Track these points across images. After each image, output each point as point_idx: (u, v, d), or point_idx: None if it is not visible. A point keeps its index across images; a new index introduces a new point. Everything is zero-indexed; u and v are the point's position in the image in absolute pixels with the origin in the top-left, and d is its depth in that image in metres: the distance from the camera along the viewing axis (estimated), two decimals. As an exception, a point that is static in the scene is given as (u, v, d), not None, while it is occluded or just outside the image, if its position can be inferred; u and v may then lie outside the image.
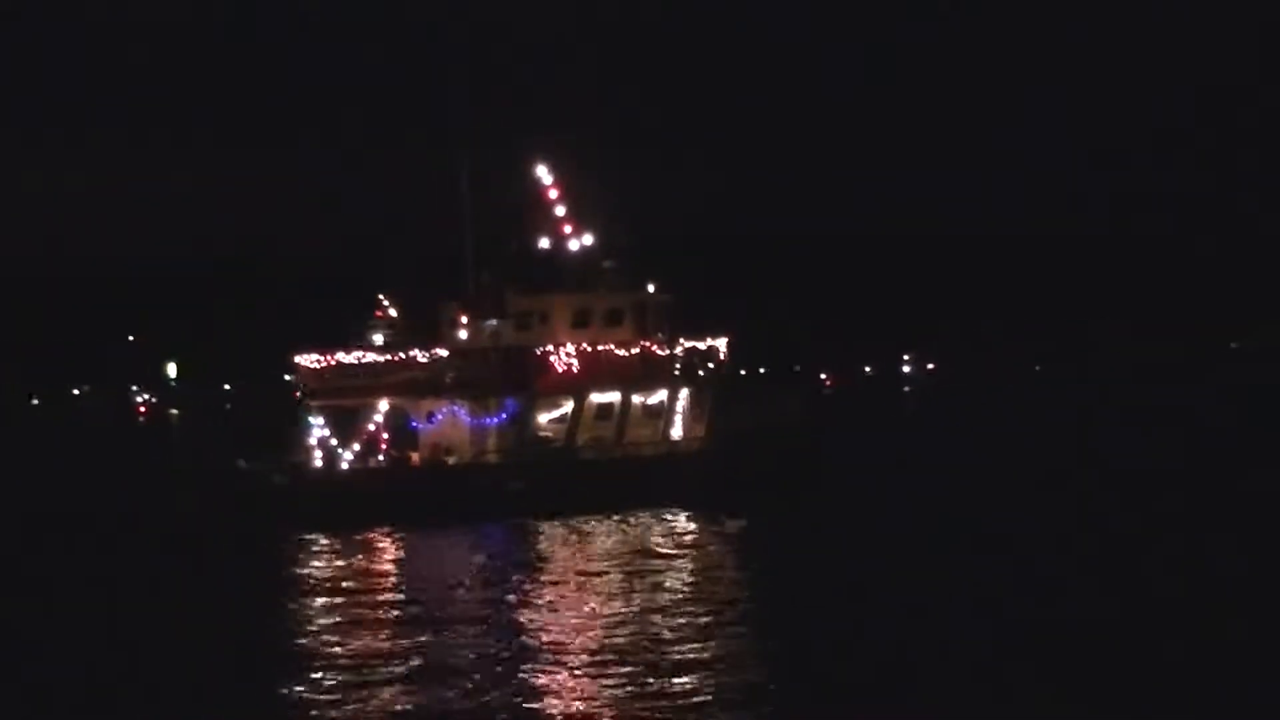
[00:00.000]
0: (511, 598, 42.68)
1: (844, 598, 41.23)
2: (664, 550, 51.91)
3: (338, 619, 40.60)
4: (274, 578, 49.20)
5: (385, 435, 64.88)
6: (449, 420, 65.35)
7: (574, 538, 56.23)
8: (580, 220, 69.58)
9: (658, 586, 43.53)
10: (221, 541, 59.14)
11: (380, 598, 44.13)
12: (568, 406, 66.39)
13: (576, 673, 32.33)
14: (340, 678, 32.75)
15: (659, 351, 67.90)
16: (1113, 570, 44.05)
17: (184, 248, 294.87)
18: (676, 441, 68.90)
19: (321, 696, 31.11)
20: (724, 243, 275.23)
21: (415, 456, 65.63)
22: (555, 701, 29.93)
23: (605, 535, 56.48)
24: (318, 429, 64.42)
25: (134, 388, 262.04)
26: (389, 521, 60.16)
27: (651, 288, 70.35)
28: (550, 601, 42.03)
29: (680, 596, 41.73)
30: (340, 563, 52.73)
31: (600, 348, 66.20)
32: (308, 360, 66.01)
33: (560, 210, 69.39)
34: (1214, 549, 47.74)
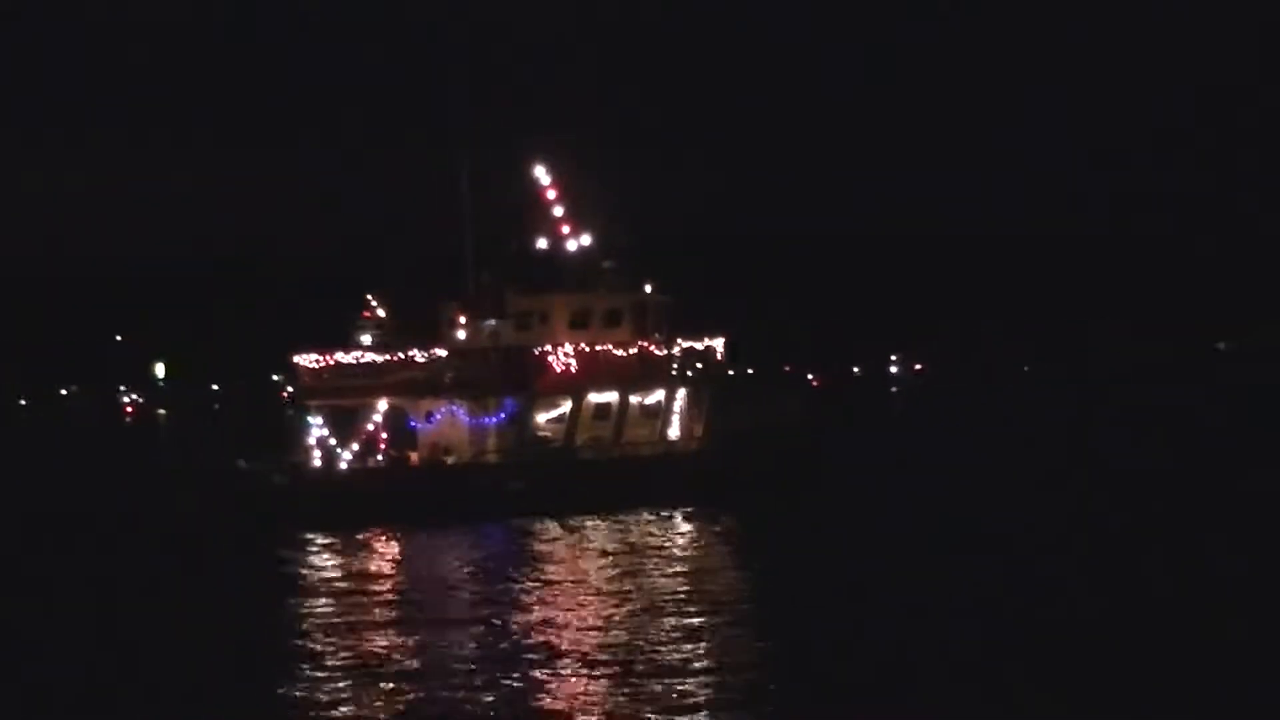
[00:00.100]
0: (510, 597, 42.70)
1: (844, 598, 41.25)
2: (663, 550, 51.94)
3: (337, 619, 40.60)
4: (274, 578, 49.21)
5: (384, 435, 64.90)
6: (448, 420, 65.35)
7: (572, 537, 56.26)
8: (579, 220, 69.62)
9: (656, 586, 43.54)
10: (221, 541, 59.19)
11: (379, 598, 44.14)
12: (566, 406, 66.43)
13: (576, 673, 32.35)
14: (340, 678, 32.76)
15: (657, 352, 67.98)
16: (1111, 570, 44.08)
17: (183, 248, 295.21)
18: (674, 441, 69.01)
19: (321, 696, 31.12)
20: (724, 243, 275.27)
21: (414, 456, 65.63)
22: (554, 701, 29.93)
23: (604, 535, 56.49)
24: (316, 429, 64.41)
25: (122, 388, 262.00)
26: (388, 521, 60.14)
27: (650, 288, 70.41)
28: (549, 601, 42.03)
29: (679, 596, 41.73)
30: (339, 562, 52.74)
31: (599, 348, 66.23)
32: (306, 360, 65.96)
33: (559, 210, 69.44)
34: (1212, 549, 47.78)
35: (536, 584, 45.31)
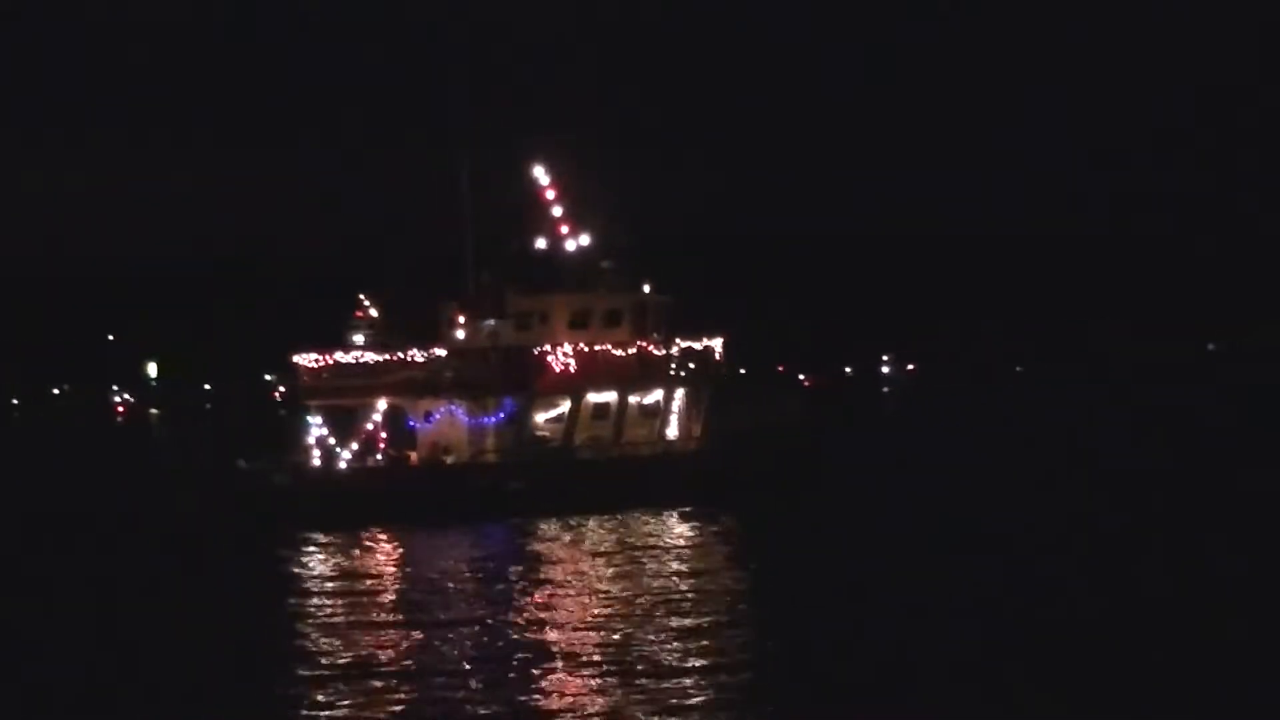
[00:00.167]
0: (509, 597, 42.74)
1: (844, 598, 41.27)
2: (662, 550, 51.97)
3: (337, 618, 40.65)
4: (273, 577, 49.25)
5: (384, 435, 64.93)
6: (447, 420, 65.39)
7: (571, 537, 56.29)
8: (579, 220, 69.64)
9: (655, 586, 43.56)
10: (221, 541, 59.25)
11: (379, 597, 44.19)
12: (565, 406, 66.46)
13: (575, 672, 32.37)
14: (339, 678, 32.79)
15: (656, 352, 68.01)
16: (1111, 570, 44.10)
17: (180, 248, 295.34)
18: (673, 441, 69.06)
19: (321, 696, 31.13)
20: (724, 243, 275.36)
21: (414, 456, 65.66)
22: (554, 701, 29.94)
23: (602, 535, 56.53)
24: (316, 428, 64.45)
25: (114, 388, 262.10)
26: (388, 521, 60.19)
27: (649, 288, 70.46)
28: (548, 601, 42.06)
29: (678, 596, 41.75)
30: (339, 562, 52.77)
31: (598, 348, 66.25)
32: (306, 360, 65.98)
33: (559, 210, 69.46)
34: (1212, 549, 47.80)
35: (536, 584, 45.33)
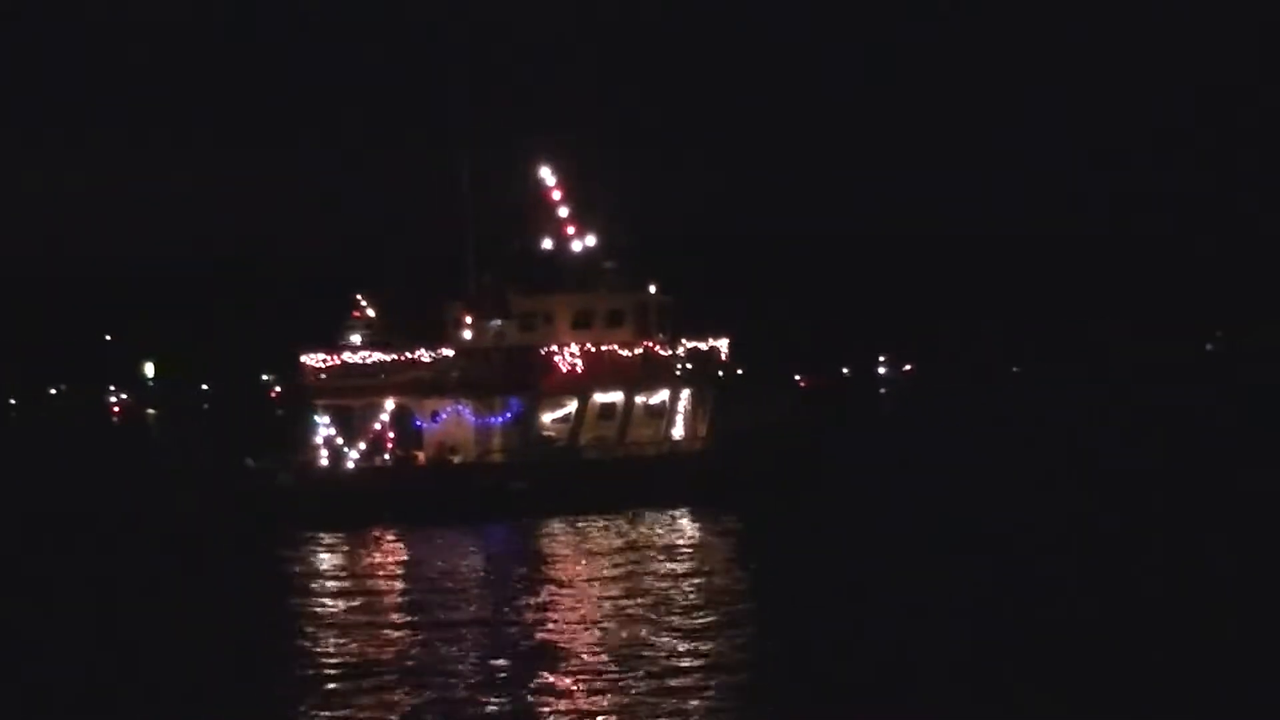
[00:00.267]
0: (514, 597, 42.86)
1: (844, 598, 41.40)
2: (666, 549, 52.09)
3: (342, 618, 40.81)
4: (279, 576, 49.42)
5: (390, 434, 65.09)
6: (453, 420, 65.55)
7: (577, 537, 56.45)
8: (582, 221, 69.77)
9: (659, 586, 43.71)
10: (227, 540, 59.44)
11: (384, 597, 44.34)
12: (571, 406, 66.62)
13: (577, 672, 32.52)
14: (343, 677, 32.92)
15: (661, 352, 68.17)
16: (1111, 570, 44.19)
17: (180, 248, 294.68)
18: (678, 441, 69.22)
19: (323, 696, 31.27)
20: (724, 243, 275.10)
21: (420, 456, 65.81)
22: (556, 701, 30.11)
23: (608, 534, 56.68)
24: (323, 428, 64.64)
25: (111, 388, 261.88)
26: (394, 520, 60.36)
27: (653, 288, 70.61)
28: (552, 601, 42.22)
29: (681, 596, 41.89)
30: (345, 561, 52.93)
31: (603, 348, 66.41)
32: (313, 360, 66.15)
33: (562, 211, 69.60)
34: (1211, 548, 47.89)
35: (540, 583, 45.48)
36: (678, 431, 69.67)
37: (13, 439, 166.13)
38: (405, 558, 53.84)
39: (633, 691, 30.46)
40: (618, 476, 64.52)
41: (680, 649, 34.50)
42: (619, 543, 54.22)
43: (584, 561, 49.85)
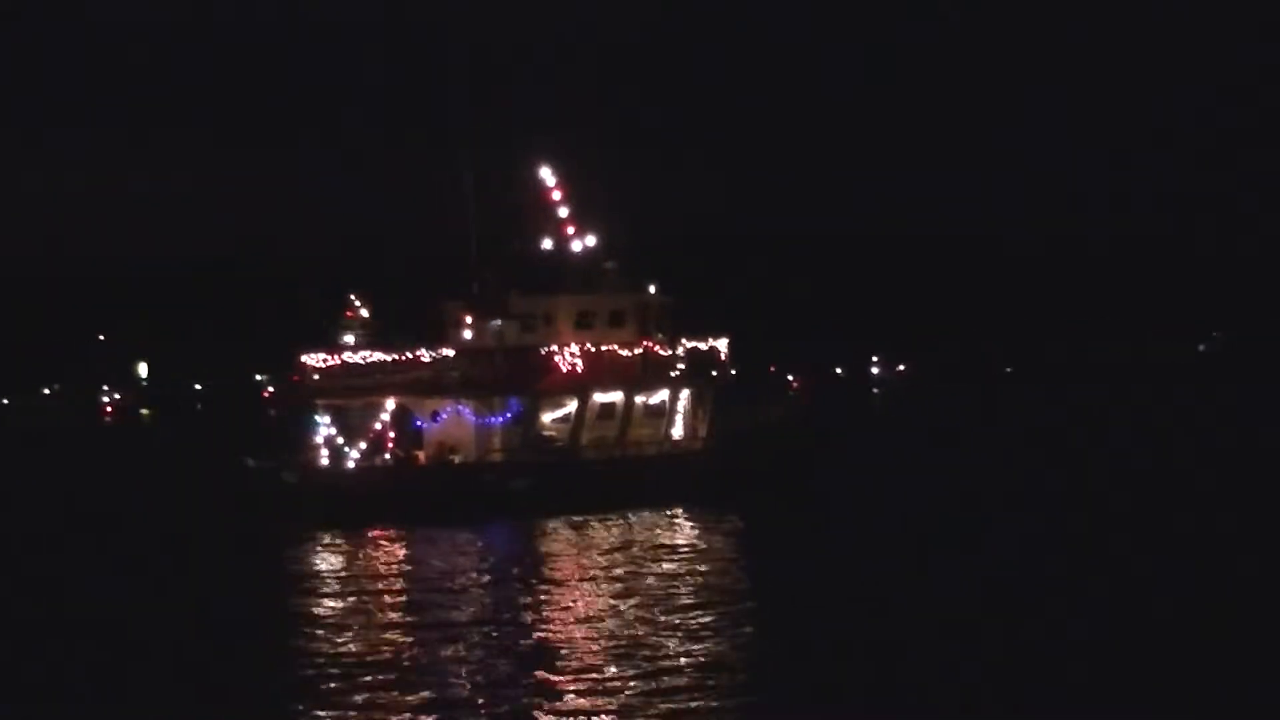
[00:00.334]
0: (514, 596, 42.88)
1: (844, 598, 41.46)
2: (666, 549, 52.15)
3: (341, 617, 40.81)
4: (280, 575, 49.45)
5: (391, 434, 65.14)
6: (454, 420, 65.56)
7: (577, 537, 56.52)
8: (582, 221, 69.85)
9: (659, 586, 43.75)
10: (228, 539, 59.52)
11: (384, 596, 44.33)
12: (571, 406, 66.66)
13: (577, 672, 32.52)
14: (342, 676, 32.91)
15: (660, 352, 68.26)
16: (1109, 570, 44.23)
17: (180, 248, 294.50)
18: (679, 441, 69.32)
19: (322, 696, 31.24)
20: (724, 243, 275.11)
21: (421, 456, 65.87)
22: (555, 701, 30.13)
23: (608, 534, 56.75)
24: (324, 428, 64.70)
25: (104, 387, 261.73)
26: (395, 520, 60.39)
27: (652, 288, 70.71)
28: (552, 600, 42.27)
29: (682, 596, 41.93)
30: (346, 561, 52.95)
31: (604, 348, 66.48)
32: (314, 359, 66.20)
33: (561, 211, 69.68)
34: (1211, 548, 47.98)
35: (540, 583, 45.49)
36: (677, 431, 69.76)
37: (9, 438, 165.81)
38: (405, 557, 53.86)
39: (632, 691, 30.48)
40: (618, 476, 64.60)
41: (679, 649, 34.54)
42: (619, 542, 54.27)
43: (584, 561, 49.90)
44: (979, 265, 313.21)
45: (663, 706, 29.26)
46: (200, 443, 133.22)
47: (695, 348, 69.45)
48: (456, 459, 64.87)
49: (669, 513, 61.99)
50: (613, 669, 32.53)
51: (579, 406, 66.28)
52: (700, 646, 34.80)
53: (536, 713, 29.38)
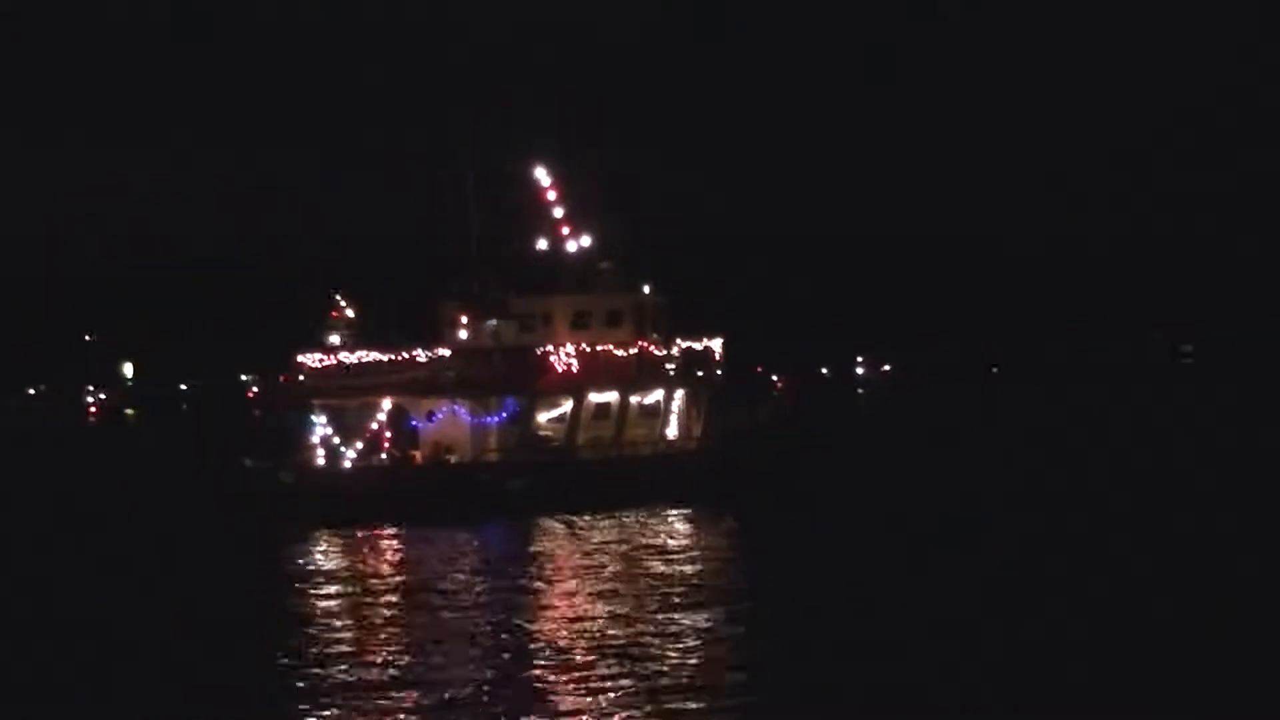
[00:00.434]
0: (510, 596, 42.82)
1: (842, 597, 41.35)
2: (662, 549, 52.11)
3: (338, 616, 40.78)
4: (277, 575, 49.38)
5: (387, 434, 65.06)
6: (450, 419, 65.53)
7: (573, 536, 56.43)
8: (578, 221, 69.80)
9: (656, 585, 43.67)
10: (226, 538, 59.48)
11: (381, 596, 44.25)
12: (567, 406, 66.61)
13: (573, 671, 32.44)
14: (338, 676, 32.86)
15: (655, 352, 68.26)
16: (1108, 570, 44.16)
17: (178, 248, 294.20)
18: (674, 441, 69.33)
19: (322, 695, 31.19)
20: (724, 243, 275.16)
21: (417, 455, 65.80)
22: (552, 700, 30.05)
23: (603, 534, 56.67)
24: (320, 428, 64.63)
25: (90, 387, 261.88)
26: (391, 519, 60.35)
27: (648, 288, 70.68)
28: (548, 600, 42.20)
29: (678, 596, 41.84)
30: (343, 560, 52.90)
31: (599, 348, 66.46)
32: (310, 359, 66.20)
33: (558, 211, 69.65)
34: (1210, 548, 47.88)
35: (536, 582, 45.48)
36: (672, 431, 69.77)
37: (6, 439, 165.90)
38: (402, 557, 53.79)
39: (628, 691, 30.39)
40: (613, 476, 64.59)
41: (675, 648, 34.43)
42: (615, 542, 54.18)
43: (580, 561, 49.81)
44: (979, 265, 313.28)
45: (659, 706, 29.15)
46: (184, 443, 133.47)
47: (690, 348, 69.43)
48: (453, 459, 64.84)
49: (664, 512, 61.91)
50: (609, 668, 32.43)
51: (574, 406, 66.25)
52: (697, 646, 34.72)
53: (533, 713, 29.24)
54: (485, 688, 31.21)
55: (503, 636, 36.69)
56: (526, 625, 38.16)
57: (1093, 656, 32.39)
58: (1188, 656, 32.39)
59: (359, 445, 64.34)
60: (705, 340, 70.40)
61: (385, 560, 53.39)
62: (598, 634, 36.42)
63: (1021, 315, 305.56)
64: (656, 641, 35.18)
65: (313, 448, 64.66)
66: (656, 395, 69.10)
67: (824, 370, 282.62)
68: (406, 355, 65.08)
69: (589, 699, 29.98)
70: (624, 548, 52.46)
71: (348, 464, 64.15)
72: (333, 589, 45.92)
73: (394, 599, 43.63)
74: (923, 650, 33.79)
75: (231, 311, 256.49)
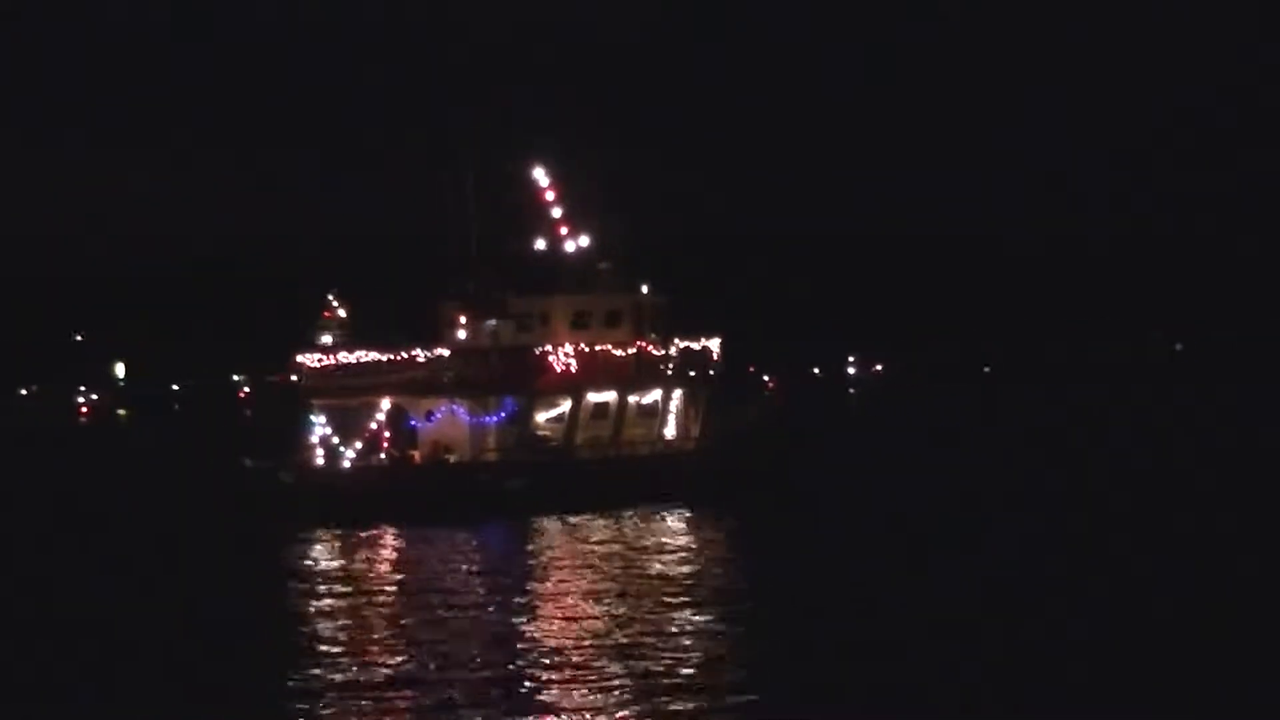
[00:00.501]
0: (509, 596, 42.80)
1: (844, 598, 41.35)
2: (661, 549, 52.12)
3: (337, 616, 40.76)
4: (276, 574, 49.37)
5: (386, 434, 65.08)
6: (449, 419, 65.55)
7: (571, 536, 56.42)
8: (577, 221, 69.83)
9: (654, 585, 43.66)
10: (225, 538, 59.48)
11: (380, 596, 44.26)
12: (566, 406, 66.64)
13: (573, 671, 32.41)
14: (340, 675, 32.85)
15: (654, 352, 68.30)
16: (1107, 570, 44.16)
17: (177, 247, 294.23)
18: (672, 440, 69.39)
19: (322, 695, 31.16)
20: (724, 243, 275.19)
21: (416, 455, 65.82)
22: (551, 700, 30.03)
23: (602, 533, 56.67)
24: (320, 428, 64.66)
25: (81, 388, 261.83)
26: (391, 519, 60.36)
27: (646, 288, 70.73)
28: (547, 599, 42.20)
29: (676, 595, 41.83)
30: (342, 560, 52.89)
31: (598, 348, 66.51)
32: (310, 359, 66.24)
33: (556, 211, 69.67)
34: (1210, 548, 47.87)
35: (535, 582, 45.50)
36: (671, 431, 69.82)
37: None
38: (401, 557, 53.80)
39: (627, 691, 30.37)
40: (612, 476, 64.63)
41: (675, 648, 34.42)
42: (613, 542, 54.18)
43: (578, 560, 49.79)
44: (978, 265, 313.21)
45: (659, 706, 29.14)
46: (174, 443, 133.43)
47: (688, 348, 69.49)
48: (452, 458, 64.86)
49: (663, 512, 61.91)
50: (608, 668, 32.41)
51: (573, 406, 66.28)
52: (697, 646, 34.71)
53: (532, 712, 29.22)
54: (485, 688, 31.18)
55: (501, 636, 36.65)
56: (526, 625, 38.14)
57: (1093, 656, 32.38)
58: (1188, 656, 32.38)
59: (358, 445, 64.37)
60: (704, 340, 70.44)
61: (385, 560, 53.40)
62: (597, 634, 36.40)
63: (1021, 315, 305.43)
64: (656, 641, 35.16)
65: (312, 448, 64.71)
66: (655, 395, 69.16)
67: (816, 370, 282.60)
68: (405, 355, 65.13)
69: (589, 699, 29.96)
70: (623, 547, 52.47)
71: (347, 464, 64.18)
72: (333, 589, 45.92)
73: (393, 599, 43.64)
74: (923, 650, 33.79)
75: (231, 312, 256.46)
